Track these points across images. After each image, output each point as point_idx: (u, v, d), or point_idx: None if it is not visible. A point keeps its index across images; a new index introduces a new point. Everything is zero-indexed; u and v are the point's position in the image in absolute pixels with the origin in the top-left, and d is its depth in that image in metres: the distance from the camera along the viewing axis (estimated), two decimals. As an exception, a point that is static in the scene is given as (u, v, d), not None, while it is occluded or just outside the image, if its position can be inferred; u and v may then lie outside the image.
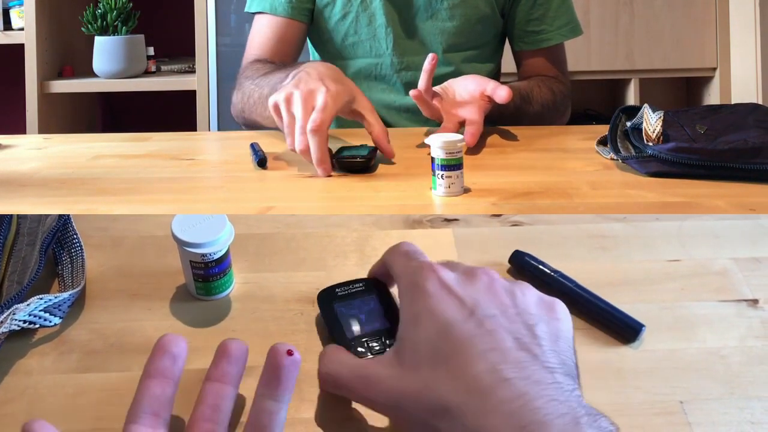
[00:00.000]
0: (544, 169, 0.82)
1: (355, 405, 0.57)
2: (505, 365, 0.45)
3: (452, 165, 0.72)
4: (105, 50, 2.03)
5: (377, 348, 0.57)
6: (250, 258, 0.72)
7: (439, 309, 0.49)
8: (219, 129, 2.09)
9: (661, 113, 0.80)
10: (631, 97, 2.14)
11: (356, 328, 0.59)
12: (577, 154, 0.89)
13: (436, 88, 0.96)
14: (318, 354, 0.60)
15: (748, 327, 0.65)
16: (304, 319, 0.65)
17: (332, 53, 1.18)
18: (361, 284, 0.63)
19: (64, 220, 0.71)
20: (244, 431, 0.51)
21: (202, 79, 2.09)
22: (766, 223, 0.77)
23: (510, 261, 0.70)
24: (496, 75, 1.23)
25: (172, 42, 2.28)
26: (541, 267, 0.68)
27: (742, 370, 0.61)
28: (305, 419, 0.56)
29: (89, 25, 2.00)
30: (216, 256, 0.64)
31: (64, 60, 2.19)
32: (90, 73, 2.10)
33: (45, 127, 2.06)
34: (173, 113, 2.23)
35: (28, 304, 0.61)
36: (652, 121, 0.79)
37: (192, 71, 2.12)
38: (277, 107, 0.81)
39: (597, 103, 2.31)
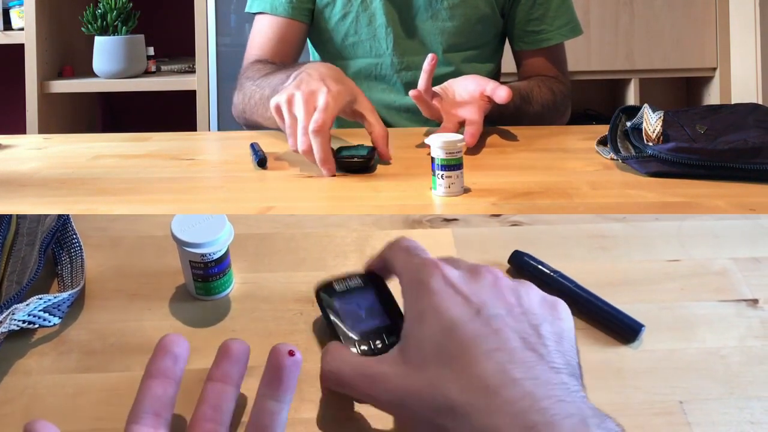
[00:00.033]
0: (544, 169, 0.82)
1: (355, 405, 0.57)
2: (512, 365, 0.45)
3: (452, 165, 0.72)
4: (105, 50, 2.03)
5: (380, 346, 0.56)
6: (250, 258, 0.72)
7: (445, 307, 0.49)
8: (219, 129, 2.09)
9: (661, 113, 0.80)
10: (631, 97, 2.14)
11: (357, 325, 0.58)
12: (577, 154, 0.89)
13: (436, 89, 0.96)
14: (318, 354, 0.60)
15: (748, 327, 0.65)
16: (304, 319, 0.65)
17: (332, 53, 1.18)
18: (358, 279, 0.62)
19: (63, 220, 0.71)
20: (246, 431, 0.52)
21: (202, 79, 2.09)
22: (766, 223, 0.77)
23: (509, 261, 0.70)
24: (496, 75, 1.23)
25: (172, 42, 2.28)
26: (540, 267, 0.68)
27: (742, 370, 0.61)
28: (305, 419, 0.56)
29: (89, 25, 2.00)
30: (215, 256, 0.64)
31: (64, 60, 2.19)
32: (90, 73, 2.10)
33: (45, 127, 2.06)
34: (173, 113, 2.23)
35: (27, 304, 0.61)
36: (652, 121, 0.79)
37: (192, 71, 2.13)
38: (278, 108, 0.81)
39: (597, 103, 2.31)
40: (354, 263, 0.71)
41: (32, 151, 1.00)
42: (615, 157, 0.81)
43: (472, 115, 0.90)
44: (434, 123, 0.97)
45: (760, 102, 1.93)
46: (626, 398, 0.58)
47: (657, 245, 0.74)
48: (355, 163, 0.81)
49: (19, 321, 0.60)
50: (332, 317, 0.59)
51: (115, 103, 2.50)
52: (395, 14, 1.13)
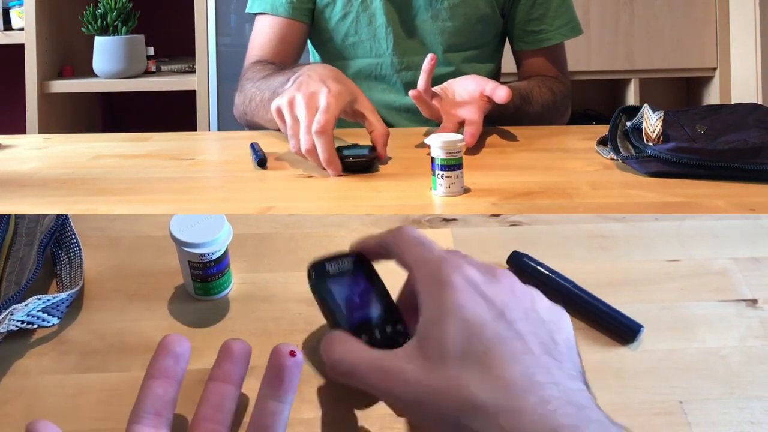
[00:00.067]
0: (544, 169, 0.82)
1: (355, 405, 0.57)
2: (537, 369, 0.45)
3: (452, 165, 0.72)
4: (105, 50, 2.03)
5: (379, 337, 0.55)
6: (249, 258, 0.72)
7: (469, 306, 0.48)
8: (219, 129, 2.09)
9: (661, 113, 0.80)
10: (631, 97, 2.14)
11: (355, 312, 0.57)
12: (577, 154, 0.88)
13: (436, 89, 0.96)
14: (317, 353, 0.60)
15: (748, 327, 0.65)
16: (303, 319, 0.65)
17: (332, 53, 1.18)
18: (349, 261, 0.59)
19: (62, 220, 0.71)
20: (247, 431, 0.51)
21: (202, 79, 2.09)
22: (766, 223, 0.77)
23: (508, 262, 0.70)
24: (496, 75, 1.23)
25: (172, 42, 2.28)
26: (539, 268, 0.68)
27: (742, 370, 0.61)
28: (305, 419, 0.56)
29: (89, 25, 2.00)
30: (214, 256, 0.64)
31: (64, 60, 2.19)
32: (90, 73, 2.10)
33: (45, 127, 2.06)
34: (173, 113, 2.23)
35: (26, 305, 0.61)
36: (652, 121, 0.79)
37: (192, 71, 2.13)
38: (279, 111, 0.81)
39: (597, 103, 2.31)
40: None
41: (32, 151, 1.00)
42: (615, 157, 0.81)
43: (472, 115, 0.90)
44: (434, 123, 0.97)
45: (760, 102, 1.93)
46: (626, 398, 0.58)
47: (657, 245, 0.74)
48: (360, 163, 0.81)
49: (17, 321, 0.60)
50: (329, 302, 0.57)
51: (115, 103, 2.50)
52: (395, 14, 1.13)
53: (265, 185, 0.80)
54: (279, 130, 0.97)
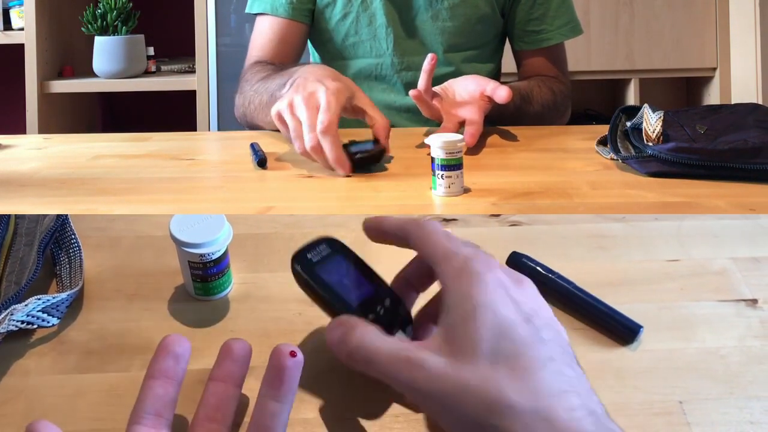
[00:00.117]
0: (544, 169, 0.82)
1: (355, 405, 0.57)
2: (561, 377, 0.45)
3: (452, 165, 0.72)
4: (105, 50, 2.03)
5: (382, 313, 0.55)
6: (249, 258, 0.72)
7: (500, 305, 0.48)
8: (219, 129, 2.09)
9: (661, 113, 0.80)
10: (631, 97, 2.14)
11: (353, 295, 0.56)
12: (577, 154, 0.88)
13: (436, 89, 0.96)
14: (318, 353, 0.60)
15: (747, 327, 0.65)
16: (303, 319, 0.65)
17: (333, 53, 1.18)
18: (324, 246, 0.59)
19: (62, 220, 0.71)
20: (247, 431, 0.51)
21: (202, 79, 2.09)
22: (765, 223, 0.77)
23: (507, 262, 0.70)
24: (496, 75, 1.23)
25: (172, 42, 2.28)
26: (538, 268, 0.68)
27: (742, 370, 0.60)
28: (305, 419, 0.56)
29: (89, 25, 2.00)
30: (214, 256, 0.64)
31: (64, 60, 2.19)
32: (90, 73, 2.10)
33: (45, 127, 2.07)
34: (173, 113, 2.24)
35: (26, 305, 0.61)
36: (652, 121, 0.79)
37: (192, 71, 2.13)
38: (280, 116, 0.81)
39: (597, 103, 2.31)
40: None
41: (32, 151, 1.00)
42: (615, 157, 0.81)
43: (472, 115, 0.90)
44: (434, 123, 0.97)
45: (760, 102, 1.93)
46: (626, 398, 0.58)
47: (656, 245, 0.74)
48: (369, 157, 0.81)
49: (17, 321, 0.60)
50: (324, 290, 0.56)
51: (115, 103, 2.50)
52: (395, 14, 1.13)
53: (265, 185, 0.80)
54: (279, 130, 0.97)
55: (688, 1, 2.12)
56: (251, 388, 0.56)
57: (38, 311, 0.62)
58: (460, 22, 1.13)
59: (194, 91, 2.09)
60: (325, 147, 0.76)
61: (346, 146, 0.82)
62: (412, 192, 0.75)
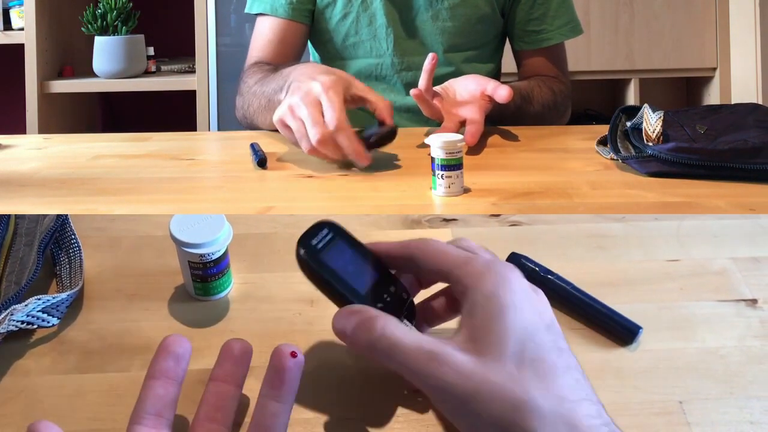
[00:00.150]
0: (544, 169, 0.82)
1: (355, 406, 0.57)
2: (578, 385, 0.47)
3: (452, 165, 0.72)
4: (105, 50, 2.03)
5: (389, 300, 0.55)
6: (249, 258, 0.72)
7: (526, 309, 0.49)
8: (219, 129, 2.09)
9: (661, 113, 0.80)
10: (631, 97, 2.14)
11: (361, 282, 0.55)
12: (577, 154, 0.88)
13: (437, 88, 0.96)
14: (317, 353, 0.60)
15: (747, 327, 0.65)
16: (303, 319, 0.65)
17: (332, 54, 1.18)
18: (325, 230, 0.57)
19: (62, 220, 0.71)
20: (248, 431, 0.52)
21: (202, 79, 2.09)
22: (765, 223, 0.77)
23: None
24: (496, 75, 1.23)
25: (172, 42, 2.28)
26: (537, 269, 0.68)
27: (741, 370, 0.60)
28: (305, 419, 0.56)
29: (89, 25, 2.00)
30: (214, 257, 0.64)
31: (64, 60, 2.19)
32: (90, 73, 2.10)
33: (45, 127, 2.06)
34: (173, 113, 2.23)
35: (26, 305, 0.61)
36: (652, 121, 0.79)
37: (192, 71, 2.12)
38: (282, 122, 0.80)
39: (597, 103, 2.31)
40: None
41: (32, 151, 1.00)
42: (615, 157, 0.81)
43: (473, 114, 0.90)
44: (435, 123, 0.97)
45: (760, 102, 1.93)
46: (626, 398, 0.58)
47: (656, 245, 0.74)
48: (383, 138, 0.81)
49: (17, 321, 0.60)
50: (329, 279, 0.55)
51: (115, 103, 2.50)
52: (396, 14, 1.13)
53: (265, 185, 0.80)
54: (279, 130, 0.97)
55: (688, 1, 2.12)
56: (251, 388, 0.56)
57: (38, 311, 0.62)
58: (461, 22, 1.13)
59: (194, 91, 2.09)
60: (342, 143, 0.76)
61: (357, 134, 0.81)
62: (412, 192, 0.75)
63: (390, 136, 0.82)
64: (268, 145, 0.92)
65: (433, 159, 0.73)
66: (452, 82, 0.98)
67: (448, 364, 0.47)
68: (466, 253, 0.53)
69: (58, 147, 1.03)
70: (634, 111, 0.85)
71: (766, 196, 0.71)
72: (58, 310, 0.63)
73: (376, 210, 0.75)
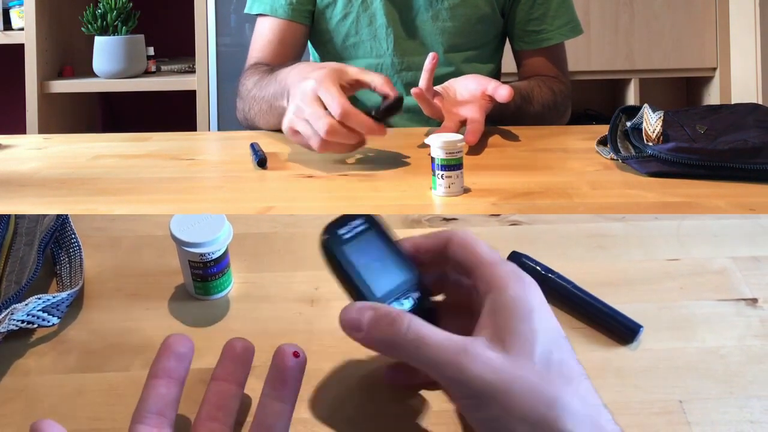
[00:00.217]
0: (544, 169, 0.82)
1: (355, 405, 0.57)
2: (591, 390, 0.48)
3: (452, 165, 0.72)
4: (105, 50, 2.03)
5: (408, 307, 0.53)
6: (249, 258, 0.72)
7: (550, 316, 0.50)
8: (219, 129, 2.09)
9: (661, 113, 0.80)
10: (631, 97, 2.14)
11: (379, 281, 0.53)
12: (577, 154, 0.88)
13: (437, 88, 0.96)
14: (317, 353, 0.60)
15: (747, 326, 0.65)
16: (303, 318, 0.65)
17: (333, 54, 1.18)
18: (360, 222, 0.55)
19: (62, 220, 0.71)
20: (250, 431, 0.52)
21: (202, 79, 2.09)
22: (765, 223, 0.77)
23: (509, 261, 0.70)
24: (496, 75, 1.23)
25: (172, 42, 2.28)
26: (538, 268, 0.68)
27: (741, 370, 0.60)
28: (305, 419, 0.56)
29: (89, 25, 2.00)
30: (214, 256, 0.64)
31: (64, 60, 2.19)
32: (90, 73, 2.10)
33: (45, 127, 2.06)
34: (173, 113, 2.23)
35: (26, 304, 0.61)
36: (652, 121, 0.79)
37: (192, 71, 2.13)
38: (291, 130, 0.80)
39: (597, 103, 2.31)
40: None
41: (32, 151, 1.00)
42: (615, 157, 0.81)
43: (474, 113, 0.90)
44: (435, 122, 0.97)
45: (760, 102, 1.93)
46: (626, 398, 0.58)
47: (656, 244, 0.74)
48: (392, 106, 0.80)
49: (17, 321, 0.60)
50: (346, 271, 0.52)
51: (115, 103, 2.50)
52: (396, 15, 1.13)
53: (265, 185, 0.80)
54: (280, 131, 0.98)
55: (688, 1, 2.12)
56: (252, 387, 0.56)
57: (38, 311, 0.62)
58: (461, 22, 1.13)
59: (194, 91, 2.09)
60: (352, 125, 0.76)
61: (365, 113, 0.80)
62: (412, 192, 0.75)
63: (396, 105, 0.81)
64: (268, 145, 0.92)
65: (433, 159, 0.73)
66: (453, 81, 0.98)
67: (479, 357, 0.46)
68: (495, 254, 0.53)
69: (58, 147, 1.03)
70: (634, 111, 0.85)
71: (766, 196, 0.71)
72: (58, 310, 0.63)
73: (376, 210, 0.75)
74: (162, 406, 0.51)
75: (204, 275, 0.65)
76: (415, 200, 0.73)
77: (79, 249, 0.70)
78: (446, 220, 0.78)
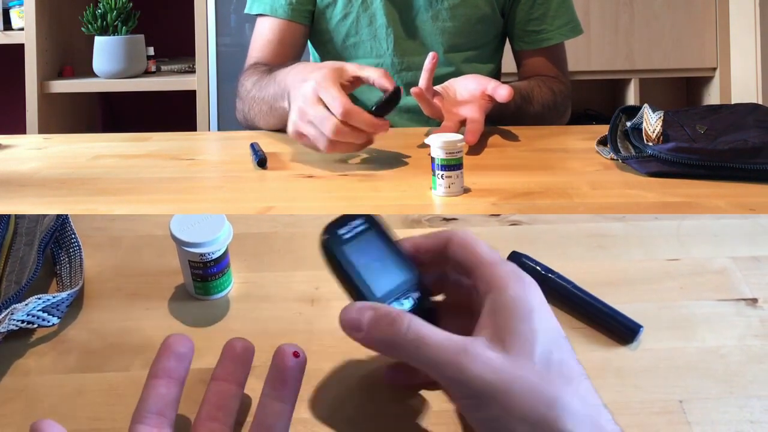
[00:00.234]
0: (544, 169, 0.82)
1: (355, 405, 0.57)
2: (592, 390, 0.48)
3: (452, 165, 0.72)
4: (105, 50, 2.03)
5: (407, 307, 0.53)
6: (249, 258, 0.72)
7: (551, 316, 0.50)
8: (219, 129, 2.09)
9: (661, 113, 0.80)
10: (631, 97, 2.14)
11: (378, 281, 0.53)
12: (577, 154, 0.88)
13: (437, 88, 0.96)
14: (317, 353, 0.60)
15: (747, 326, 0.65)
16: (303, 318, 0.65)
17: (333, 54, 1.18)
18: (360, 222, 0.55)
19: (62, 220, 0.71)
20: (250, 431, 0.52)
21: (202, 79, 2.09)
22: (765, 222, 0.77)
23: (509, 261, 0.70)
24: (496, 75, 1.23)
25: (172, 42, 2.28)
26: (538, 268, 0.68)
27: (741, 369, 0.60)
28: (305, 419, 0.56)
29: (89, 25, 2.00)
30: (214, 256, 0.64)
31: (64, 60, 2.19)
32: (90, 73, 2.10)
33: (45, 127, 2.06)
34: (173, 113, 2.23)
35: (26, 304, 0.61)
36: (652, 121, 0.79)
37: (192, 71, 2.13)
38: (297, 133, 0.81)
39: (597, 103, 2.31)
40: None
41: (32, 151, 1.00)
42: (615, 157, 0.81)
43: (473, 113, 0.90)
44: (435, 122, 0.97)
45: (760, 102, 1.93)
46: (626, 397, 0.58)
47: (656, 244, 0.74)
48: (391, 99, 0.80)
49: (17, 321, 0.60)
50: (348, 273, 0.52)
51: (115, 103, 2.50)
52: (396, 15, 1.13)
53: (265, 185, 0.80)
54: (280, 131, 0.98)
55: (688, 1, 2.12)
56: (251, 387, 0.56)
57: (38, 310, 0.62)
58: (461, 22, 1.13)
59: (194, 91, 2.09)
60: (355, 123, 0.76)
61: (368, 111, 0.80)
62: (412, 192, 0.75)
63: (395, 97, 0.80)
64: (268, 145, 0.92)
65: (433, 159, 0.73)
66: (452, 81, 0.99)
67: (479, 357, 0.46)
68: (495, 254, 0.53)
69: (58, 147, 1.04)
70: (634, 111, 0.85)
71: (766, 196, 0.71)
72: (58, 310, 0.63)
73: (376, 210, 0.75)
74: (162, 406, 0.51)
75: (204, 275, 0.65)
76: (415, 200, 0.73)
77: (79, 249, 0.70)
78: (446, 220, 0.78)
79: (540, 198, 0.72)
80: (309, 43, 1.22)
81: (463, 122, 0.91)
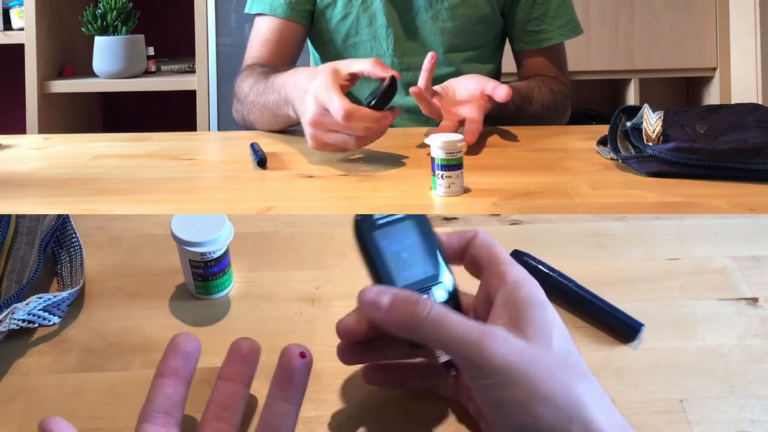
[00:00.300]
0: (544, 169, 0.82)
1: (356, 405, 0.57)
2: (599, 387, 0.48)
3: (452, 165, 0.72)
4: (105, 50, 2.03)
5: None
6: (250, 257, 0.72)
7: (558, 316, 0.50)
8: (219, 129, 2.09)
9: (661, 113, 0.80)
10: (631, 97, 2.14)
11: (401, 272, 0.52)
12: (577, 154, 0.88)
13: (437, 87, 0.96)
14: (317, 353, 0.60)
15: (748, 325, 0.65)
16: (304, 318, 0.66)
17: (333, 54, 1.18)
18: (402, 215, 0.55)
19: (62, 219, 0.71)
20: (256, 431, 0.52)
21: (202, 79, 2.09)
22: (765, 222, 0.77)
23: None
24: (496, 75, 1.23)
25: (172, 42, 2.28)
26: (539, 266, 0.68)
27: (742, 369, 0.61)
28: (307, 418, 0.56)
29: (89, 25, 2.00)
30: (215, 255, 0.64)
31: (64, 60, 2.19)
32: (90, 73, 2.10)
33: (45, 127, 2.06)
34: (173, 113, 2.24)
35: (27, 304, 0.61)
36: (652, 121, 0.79)
37: (192, 71, 2.13)
38: (321, 143, 0.81)
39: (597, 103, 2.31)
40: (352, 262, 0.71)
41: (32, 151, 1.00)
42: (615, 157, 0.81)
43: (472, 113, 0.90)
44: (435, 122, 0.97)
45: (760, 102, 1.93)
46: (627, 397, 0.58)
47: (657, 244, 0.74)
48: (387, 90, 0.79)
49: (18, 320, 0.60)
50: (374, 257, 0.52)
51: (115, 103, 2.50)
52: (396, 15, 1.13)
53: (265, 185, 0.80)
54: (281, 131, 0.98)
55: (688, 1, 2.11)
56: (256, 387, 0.56)
57: (39, 310, 0.62)
58: (461, 22, 1.13)
59: (194, 91, 2.09)
60: (360, 122, 0.76)
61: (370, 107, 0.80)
62: (412, 192, 0.75)
63: (391, 88, 0.80)
64: (268, 145, 0.92)
65: (433, 159, 0.73)
66: (452, 81, 0.99)
67: (501, 340, 0.47)
68: (508, 258, 0.54)
69: (58, 147, 1.04)
70: (634, 111, 0.85)
71: (766, 196, 0.71)
72: (59, 309, 0.63)
73: (376, 210, 0.74)
74: (169, 406, 0.51)
75: (205, 274, 0.65)
76: (415, 200, 0.73)
77: (80, 248, 0.70)
78: (446, 219, 0.78)
79: (540, 198, 0.72)
80: (309, 43, 1.23)
81: (462, 122, 0.91)
